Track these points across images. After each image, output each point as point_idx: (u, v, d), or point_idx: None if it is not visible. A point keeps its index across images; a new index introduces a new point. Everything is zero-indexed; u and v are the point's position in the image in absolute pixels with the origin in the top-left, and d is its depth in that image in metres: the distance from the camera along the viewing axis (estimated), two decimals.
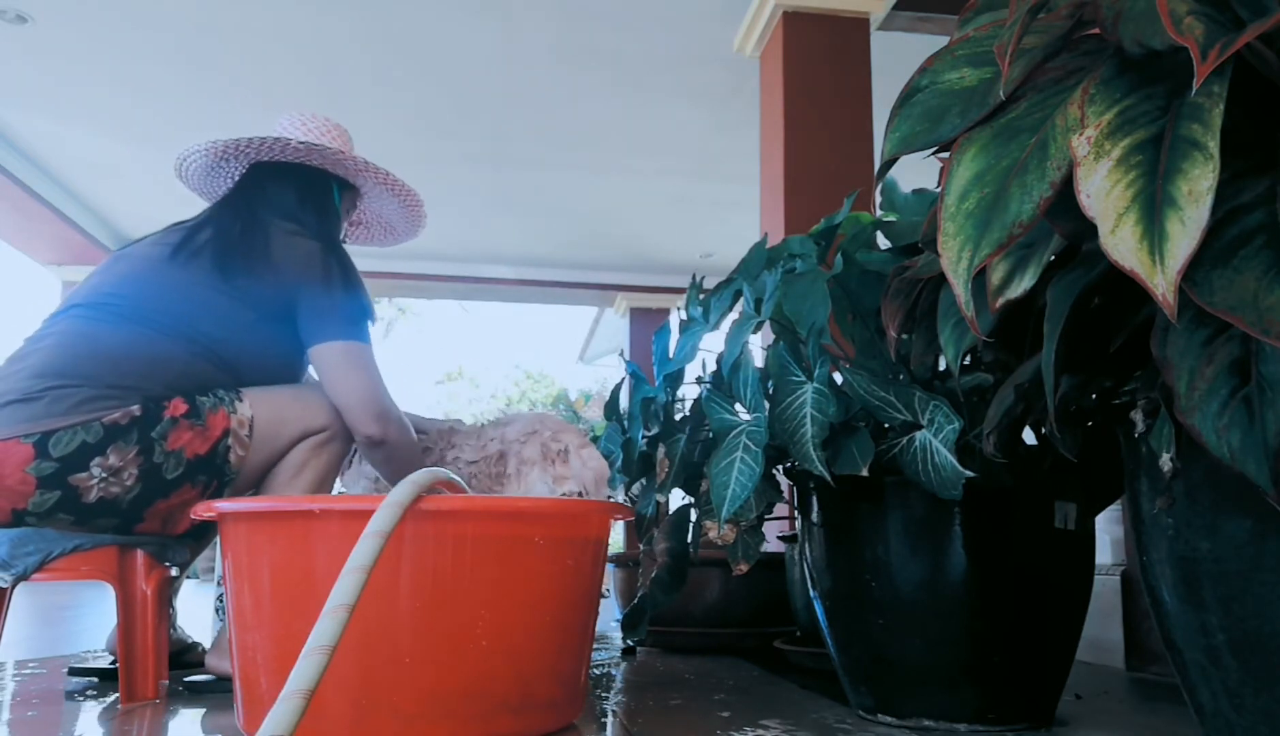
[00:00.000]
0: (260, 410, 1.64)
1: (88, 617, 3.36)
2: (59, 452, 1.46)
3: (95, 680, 1.75)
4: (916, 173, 1.47)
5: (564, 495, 1.79)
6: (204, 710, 1.47)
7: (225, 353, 1.65)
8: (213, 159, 1.85)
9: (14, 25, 4.25)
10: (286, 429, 1.66)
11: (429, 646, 1.14)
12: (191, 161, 1.86)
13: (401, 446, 1.74)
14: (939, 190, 0.83)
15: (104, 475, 1.49)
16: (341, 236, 1.99)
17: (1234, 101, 0.66)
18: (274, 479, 1.67)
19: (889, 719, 1.32)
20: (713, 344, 1.54)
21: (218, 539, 1.52)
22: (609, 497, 1.82)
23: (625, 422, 1.86)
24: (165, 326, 1.61)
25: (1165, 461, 0.86)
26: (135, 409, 1.52)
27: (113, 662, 1.73)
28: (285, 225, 1.74)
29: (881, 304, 1.14)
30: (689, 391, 1.65)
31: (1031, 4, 0.75)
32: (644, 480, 1.81)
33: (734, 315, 1.52)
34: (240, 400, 1.62)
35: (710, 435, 1.42)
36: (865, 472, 1.21)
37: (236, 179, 1.90)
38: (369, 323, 1.75)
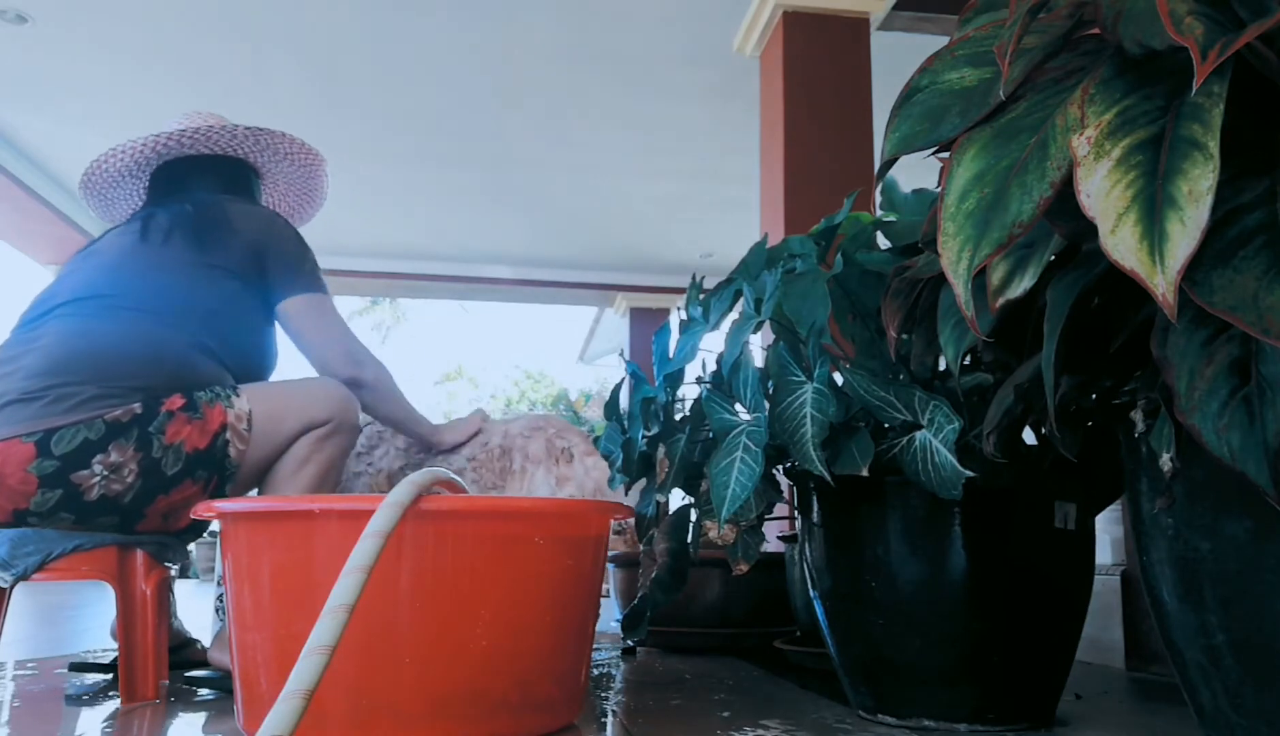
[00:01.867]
0: (258, 404, 1.64)
1: (88, 617, 3.36)
2: (61, 450, 1.46)
3: (96, 679, 1.75)
4: (916, 173, 1.47)
5: (566, 496, 1.79)
6: (204, 710, 1.47)
7: (216, 331, 1.67)
8: (125, 166, 1.89)
9: (14, 25, 4.25)
10: (286, 423, 1.66)
11: (429, 646, 1.15)
12: (103, 170, 1.89)
13: (383, 384, 1.83)
14: (939, 190, 0.83)
15: (105, 473, 1.49)
16: None
17: (1234, 101, 0.66)
18: (276, 473, 1.67)
19: (889, 719, 1.32)
20: (713, 344, 1.54)
21: (217, 537, 1.52)
22: None
23: (625, 422, 1.85)
24: (158, 311, 1.62)
25: (1165, 461, 0.86)
26: (136, 406, 1.52)
27: (115, 659, 1.73)
28: (230, 198, 1.81)
29: (881, 304, 1.14)
30: (689, 391, 1.65)
31: (1031, 4, 0.75)
32: (644, 480, 1.81)
33: (734, 315, 1.51)
34: (237, 395, 1.62)
35: (710, 435, 1.42)
36: (865, 472, 1.21)
37: (143, 194, 1.95)
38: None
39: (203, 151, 1.88)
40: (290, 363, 1.89)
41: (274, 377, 1.84)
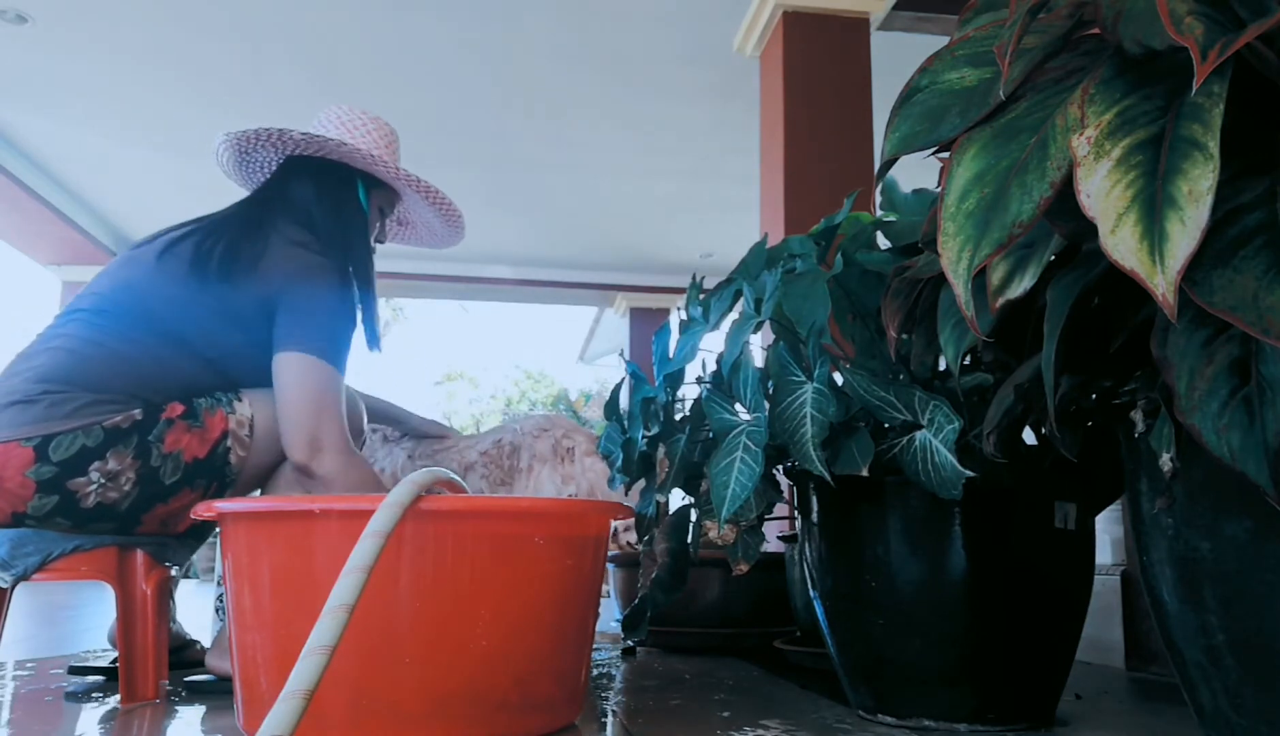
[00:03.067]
0: (260, 410, 1.63)
1: (88, 617, 3.36)
2: (58, 456, 1.45)
3: (96, 679, 1.75)
4: (916, 173, 1.47)
5: (569, 495, 1.80)
6: (204, 710, 1.47)
7: (225, 366, 1.63)
8: (239, 151, 1.81)
9: (14, 25, 4.25)
10: None
11: (429, 646, 1.14)
12: (222, 152, 1.82)
13: (334, 486, 1.58)
14: (939, 190, 0.83)
15: (102, 480, 1.48)
16: (375, 236, 1.93)
17: (1234, 101, 0.66)
18: (278, 480, 1.67)
19: (889, 719, 1.32)
20: (713, 344, 1.54)
21: (218, 538, 1.52)
22: None
23: (625, 422, 1.86)
24: (163, 333, 1.59)
25: (1165, 461, 0.86)
26: (136, 413, 1.51)
27: (113, 661, 1.73)
28: (291, 234, 1.67)
29: (881, 304, 1.14)
30: (689, 391, 1.65)
31: (1031, 4, 0.75)
32: (644, 480, 1.81)
33: (734, 315, 1.52)
34: (239, 400, 1.62)
35: (710, 435, 1.42)
36: (865, 472, 1.21)
37: (272, 168, 1.85)
38: (343, 350, 1.65)
39: (351, 163, 1.79)
40: None
41: None
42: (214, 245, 1.63)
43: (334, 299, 1.65)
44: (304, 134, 1.76)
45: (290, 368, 1.59)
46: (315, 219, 1.73)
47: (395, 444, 2.06)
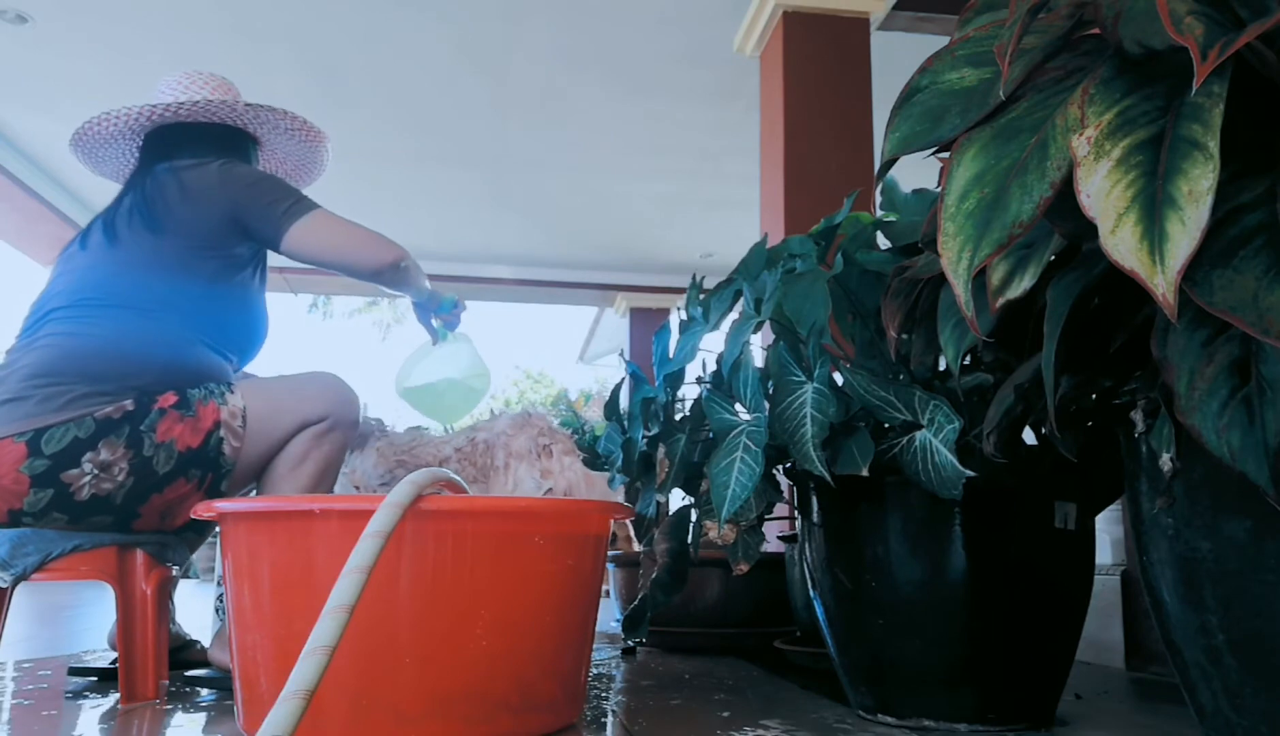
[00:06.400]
0: (253, 401, 1.63)
1: (88, 617, 3.36)
2: (51, 449, 1.46)
3: (95, 680, 1.75)
4: (916, 173, 1.47)
5: (548, 491, 1.80)
6: (204, 710, 1.47)
7: (204, 316, 1.65)
8: (118, 131, 1.83)
9: (14, 25, 4.25)
10: (282, 419, 1.65)
11: (429, 646, 1.14)
12: (94, 133, 1.84)
13: (408, 253, 1.80)
14: (939, 190, 0.83)
15: (95, 471, 1.48)
16: None
17: (1234, 101, 0.66)
18: (274, 471, 1.66)
19: (889, 719, 1.32)
20: (713, 344, 1.54)
21: (217, 537, 1.52)
22: None
23: (625, 422, 1.85)
24: (145, 307, 1.61)
25: (1165, 461, 0.86)
26: (128, 404, 1.51)
27: (113, 662, 1.73)
28: (185, 163, 1.73)
29: (881, 304, 1.14)
30: (689, 391, 1.65)
31: (1031, 4, 0.75)
32: (644, 480, 1.81)
33: (734, 315, 1.52)
34: (231, 392, 1.62)
35: (710, 435, 1.42)
36: (865, 472, 1.21)
37: (135, 154, 1.88)
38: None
39: (200, 120, 1.82)
40: (287, 354, 1.87)
41: (272, 353, 1.84)
42: (143, 203, 1.69)
43: (261, 174, 1.75)
44: (249, 104, 1.80)
45: (312, 226, 1.69)
46: (204, 153, 1.78)
47: (368, 447, 2.06)
